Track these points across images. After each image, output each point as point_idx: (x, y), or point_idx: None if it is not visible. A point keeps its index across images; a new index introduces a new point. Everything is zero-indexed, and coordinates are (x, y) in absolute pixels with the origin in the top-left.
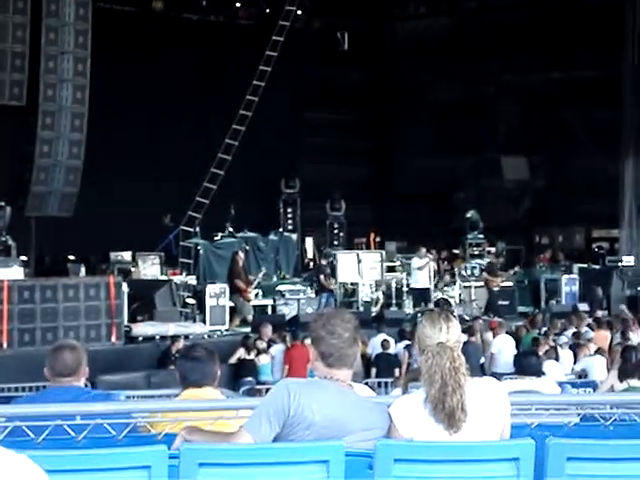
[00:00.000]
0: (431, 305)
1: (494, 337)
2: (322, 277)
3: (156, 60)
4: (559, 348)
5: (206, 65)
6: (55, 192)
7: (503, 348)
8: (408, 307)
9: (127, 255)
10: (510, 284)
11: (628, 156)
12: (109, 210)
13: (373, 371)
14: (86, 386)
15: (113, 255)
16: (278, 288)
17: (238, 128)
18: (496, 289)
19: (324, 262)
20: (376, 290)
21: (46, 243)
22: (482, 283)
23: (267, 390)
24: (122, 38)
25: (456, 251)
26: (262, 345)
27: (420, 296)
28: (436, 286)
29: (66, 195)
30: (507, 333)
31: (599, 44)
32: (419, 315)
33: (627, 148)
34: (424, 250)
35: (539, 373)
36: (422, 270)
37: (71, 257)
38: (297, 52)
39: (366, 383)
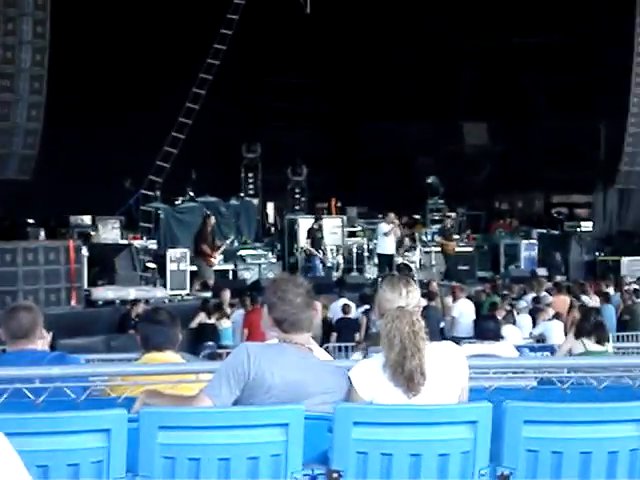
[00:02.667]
0: (394, 271)
1: (454, 301)
2: (308, 243)
3: (117, 22)
4: (518, 312)
5: (167, 28)
6: (13, 155)
7: (463, 312)
8: (369, 272)
9: (87, 219)
10: (469, 249)
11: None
12: (69, 173)
13: (334, 335)
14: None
15: (73, 219)
16: (239, 253)
17: (198, 92)
18: (453, 253)
19: (315, 226)
20: (337, 255)
21: (5, 206)
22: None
23: (228, 354)
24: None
25: (417, 216)
26: (222, 310)
27: (385, 262)
28: (397, 251)
29: (25, 158)
30: (467, 297)
31: (557, 9)
32: (379, 280)
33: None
34: (392, 215)
35: (498, 337)
36: (388, 236)
37: (30, 221)
38: (259, 15)
39: (326, 347)
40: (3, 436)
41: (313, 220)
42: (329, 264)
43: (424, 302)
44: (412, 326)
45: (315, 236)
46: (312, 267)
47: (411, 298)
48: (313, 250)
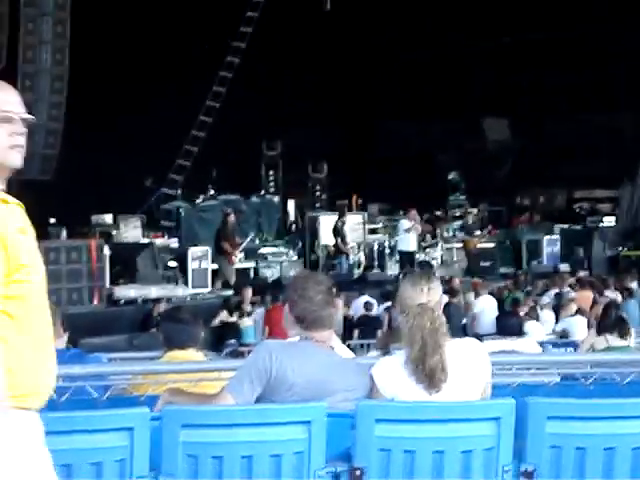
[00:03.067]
0: (415, 267)
1: (476, 298)
2: (339, 240)
3: (139, 20)
4: (541, 308)
5: (188, 25)
6: (35, 155)
7: (485, 309)
8: (391, 269)
9: (108, 218)
10: (491, 245)
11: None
12: (90, 173)
13: (356, 333)
14: (68, 349)
15: (94, 218)
16: (260, 251)
17: (219, 90)
18: (475, 250)
19: (339, 224)
20: (358, 252)
21: (27, 206)
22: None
23: (249, 352)
24: (103, 1)
25: (438, 213)
26: (247, 308)
27: (407, 258)
28: (419, 248)
29: (46, 157)
30: (489, 294)
31: (577, 2)
32: (401, 277)
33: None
34: (414, 212)
35: (520, 333)
36: (410, 232)
37: (52, 220)
38: (278, 13)
39: (348, 345)
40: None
41: (337, 217)
42: (351, 261)
43: (446, 299)
44: (433, 323)
45: (341, 233)
46: (338, 264)
47: (432, 295)
48: (343, 247)
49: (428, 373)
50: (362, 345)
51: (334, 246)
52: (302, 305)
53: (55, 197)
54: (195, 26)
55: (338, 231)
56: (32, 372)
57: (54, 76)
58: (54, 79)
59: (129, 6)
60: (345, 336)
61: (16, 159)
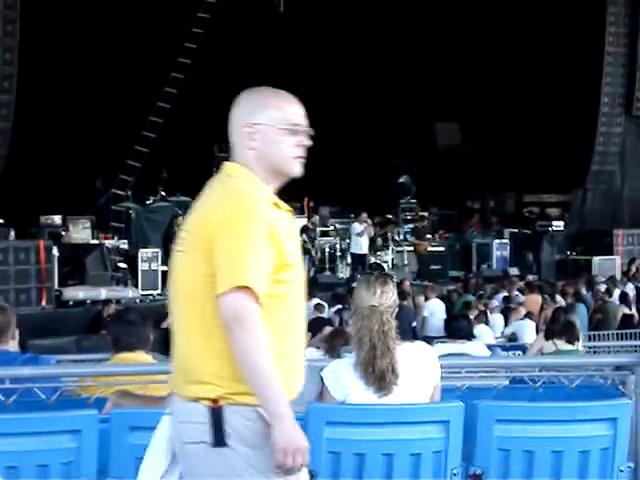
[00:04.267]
0: (366, 270)
1: (426, 301)
2: (307, 240)
3: (87, 20)
4: (490, 312)
5: (138, 25)
6: None
7: (434, 312)
8: (342, 272)
9: (58, 219)
10: (441, 249)
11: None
12: (39, 173)
13: (308, 335)
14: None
15: (43, 218)
16: None
17: (170, 91)
18: (425, 253)
19: (310, 226)
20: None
21: None
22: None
23: None
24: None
25: (389, 216)
26: None
27: (358, 261)
28: (370, 251)
29: None
30: (439, 297)
31: (530, 9)
32: (358, 277)
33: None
34: (365, 215)
35: (470, 336)
36: (362, 235)
37: (0, 220)
38: (230, 13)
39: None
40: None
41: (307, 217)
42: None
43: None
44: (382, 325)
45: (309, 235)
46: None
47: (385, 298)
48: (310, 247)
49: (378, 376)
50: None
51: (302, 245)
52: None
53: (3, 197)
54: (146, 26)
55: (307, 232)
56: (287, 373)
57: (3, 75)
58: (3, 78)
59: (80, 3)
60: None
61: (297, 169)
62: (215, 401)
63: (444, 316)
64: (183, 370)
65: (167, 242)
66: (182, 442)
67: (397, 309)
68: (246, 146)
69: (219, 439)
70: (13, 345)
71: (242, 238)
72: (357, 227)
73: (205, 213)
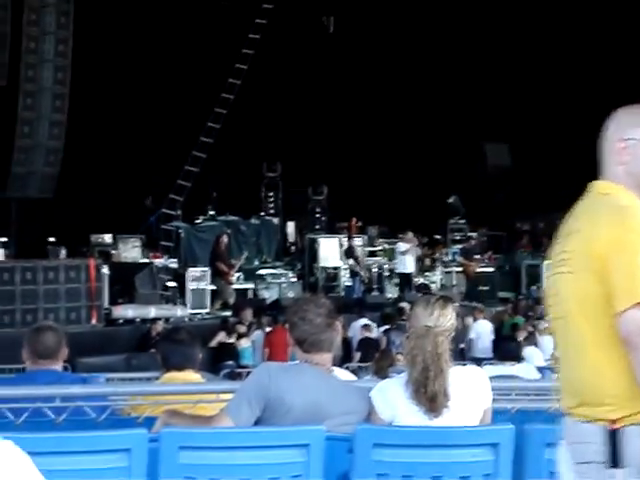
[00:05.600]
0: (413, 291)
1: (474, 322)
2: (352, 261)
3: (138, 40)
4: (539, 334)
5: (190, 46)
6: (36, 173)
7: (481, 333)
8: (390, 292)
9: (108, 237)
10: (491, 270)
11: None
12: (90, 192)
13: (357, 355)
14: (66, 368)
15: (94, 237)
16: (259, 272)
17: (220, 111)
18: (474, 274)
19: (353, 245)
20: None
21: (27, 225)
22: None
23: (247, 374)
24: (104, 18)
25: (438, 236)
26: (242, 329)
27: (404, 281)
28: (417, 271)
29: (47, 176)
30: (488, 318)
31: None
32: (418, 296)
33: None
34: (411, 234)
35: (518, 358)
36: (406, 255)
37: (52, 239)
38: (281, 35)
39: (347, 367)
40: (27, 457)
41: (353, 240)
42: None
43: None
44: (436, 347)
45: (355, 255)
46: (352, 287)
47: (442, 320)
48: (356, 268)
49: (430, 397)
50: (361, 367)
51: (349, 266)
52: (302, 327)
53: (55, 216)
54: (198, 47)
55: (352, 252)
56: None
57: (55, 94)
58: (55, 97)
59: (131, 25)
60: (343, 359)
61: None
62: (614, 422)
63: (491, 337)
64: (576, 391)
65: (214, 261)
66: (574, 462)
67: (454, 333)
68: (617, 162)
69: (615, 460)
70: (61, 365)
71: (637, 255)
72: (402, 246)
73: (593, 233)
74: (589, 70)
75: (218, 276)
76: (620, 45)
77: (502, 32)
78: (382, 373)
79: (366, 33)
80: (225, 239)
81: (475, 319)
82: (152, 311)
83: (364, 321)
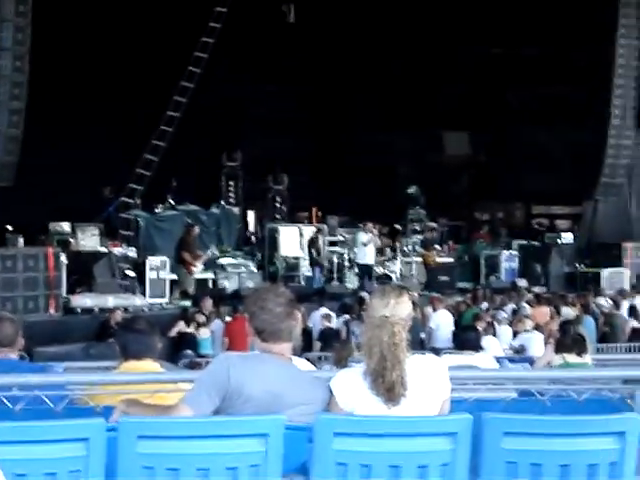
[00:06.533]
0: (372, 281)
1: (433, 312)
2: (314, 251)
3: (97, 28)
4: (498, 324)
5: (148, 34)
6: None
7: (441, 323)
8: (350, 282)
9: (66, 226)
10: (450, 260)
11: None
12: (48, 180)
13: (317, 345)
14: (23, 357)
15: (52, 226)
16: (219, 261)
17: (179, 100)
18: (433, 264)
19: (316, 236)
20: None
21: None
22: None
23: (207, 363)
24: (62, 8)
25: (397, 226)
26: (202, 319)
27: (365, 272)
28: (377, 261)
29: (6, 164)
30: (447, 308)
31: (541, 20)
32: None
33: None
34: (370, 225)
35: (478, 348)
36: (367, 245)
37: (9, 227)
38: (241, 23)
39: (307, 358)
40: None
41: (316, 229)
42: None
43: None
44: (392, 337)
45: (317, 244)
46: (312, 277)
47: (399, 310)
48: (318, 258)
49: (387, 387)
50: (320, 357)
51: (310, 257)
52: (261, 317)
53: (13, 204)
54: (156, 35)
55: (314, 242)
56: None
57: (14, 82)
58: (14, 85)
59: (90, 13)
60: (304, 348)
61: None
62: None
63: (451, 327)
64: None
65: (181, 250)
66: None
67: (410, 322)
68: None
69: None
70: (17, 354)
71: None
72: (363, 237)
73: None
74: (546, 61)
75: (181, 265)
76: None
77: (457, 15)
78: (342, 363)
79: (326, 22)
80: (196, 230)
81: (435, 309)
82: (111, 300)
83: (324, 311)
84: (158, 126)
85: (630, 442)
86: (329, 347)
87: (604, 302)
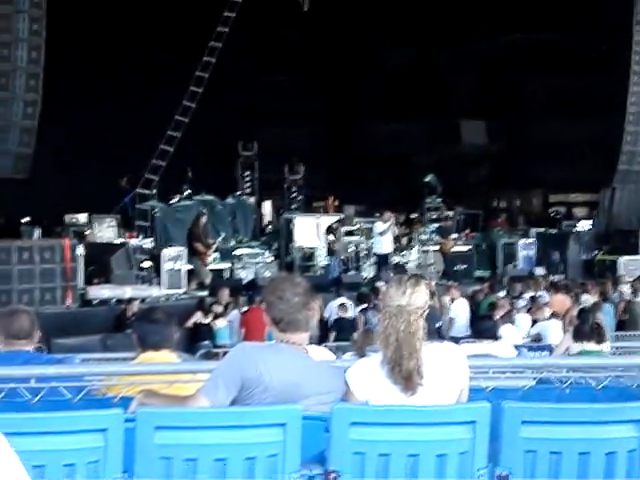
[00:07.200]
0: (389, 271)
1: (451, 301)
2: (332, 240)
3: (113, 20)
4: (516, 312)
5: (163, 26)
6: (9, 153)
7: (458, 312)
8: (367, 271)
9: (83, 217)
10: (467, 248)
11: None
12: (65, 172)
13: (332, 335)
14: (41, 349)
15: (68, 217)
16: (236, 252)
17: (195, 90)
18: (451, 253)
19: (335, 225)
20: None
21: (0, 205)
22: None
23: (224, 354)
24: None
25: (414, 215)
26: (218, 309)
27: (382, 261)
28: (394, 250)
29: (21, 156)
30: (463, 297)
31: (558, 7)
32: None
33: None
34: (389, 214)
35: (495, 337)
36: (384, 235)
37: (26, 219)
38: (256, 12)
39: (325, 347)
40: (2, 436)
41: (337, 219)
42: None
43: None
44: (408, 326)
45: (336, 233)
46: (329, 266)
47: (415, 299)
48: (336, 247)
49: (405, 375)
50: (337, 347)
51: (328, 246)
52: (279, 307)
53: (29, 196)
54: (171, 25)
55: (333, 231)
56: None
57: (29, 74)
58: (29, 77)
59: (105, 2)
60: (320, 338)
61: None
62: None
63: (468, 316)
64: None
65: (192, 241)
66: None
67: (427, 311)
68: None
69: None
70: (33, 347)
71: None
72: (380, 226)
73: None
74: (562, 50)
75: (195, 256)
76: None
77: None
78: (364, 350)
79: (341, 11)
80: (204, 219)
81: (452, 298)
82: (128, 291)
83: (341, 300)
84: (174, 116)
85: None
86: (343, 337)
87: (626, 289)
